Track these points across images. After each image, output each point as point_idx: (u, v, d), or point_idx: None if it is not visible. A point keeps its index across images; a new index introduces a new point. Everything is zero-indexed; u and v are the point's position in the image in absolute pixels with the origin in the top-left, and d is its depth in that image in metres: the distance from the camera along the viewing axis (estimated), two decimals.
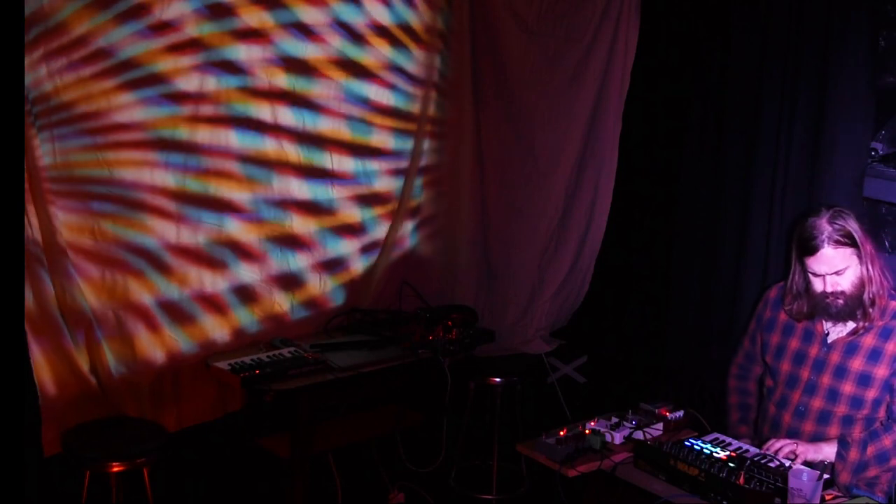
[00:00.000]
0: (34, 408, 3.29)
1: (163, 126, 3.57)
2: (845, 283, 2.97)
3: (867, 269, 2.98)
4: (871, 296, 2.98)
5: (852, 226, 2.96)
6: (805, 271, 3.04)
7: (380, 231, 4.34)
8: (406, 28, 4.26)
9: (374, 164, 4.26)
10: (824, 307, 3.01)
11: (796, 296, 3.11)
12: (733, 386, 3.42)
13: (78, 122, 3.36)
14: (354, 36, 4.06)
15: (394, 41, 4.22)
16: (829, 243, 2.93)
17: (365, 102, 4.16)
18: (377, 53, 4.16)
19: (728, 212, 3.90)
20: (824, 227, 2.95)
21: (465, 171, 4.51)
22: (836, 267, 2.96)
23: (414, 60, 4.32)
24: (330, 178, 4.09)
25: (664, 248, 4.25)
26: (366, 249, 4.30)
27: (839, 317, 3.02)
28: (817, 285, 3.01)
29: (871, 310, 2.98)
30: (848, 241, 2.94)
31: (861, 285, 2.97)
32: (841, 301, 2.98)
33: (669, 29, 4.24)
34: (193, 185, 3.68)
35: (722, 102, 3.92)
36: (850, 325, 3.05)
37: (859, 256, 2.97)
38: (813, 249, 2.96)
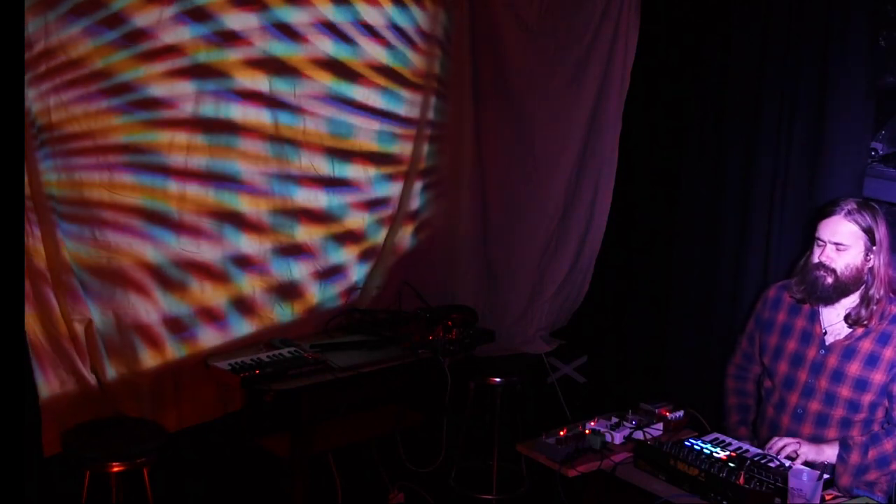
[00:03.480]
0: (34, 408, 3.29)
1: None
2: (841, 262, 2.99)
3: (871, 264, 3.00)
4: (868, 293, 2.99)
5: (876, 219, 3.00)
6: (814, 244, 3.06)
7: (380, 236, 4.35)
8: (404, 32, 4.25)
9: (372, 170, 4.26)
10: (813, 281, 3.03)
11: (799, 272, 3.14)
12: (731, 387, 3.41)
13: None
14: (345, 38, 4.05)
15: (391, 44, 4.21)
16: (844, 213, 3.00)
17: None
18: (368, 52, 4.14)
19: (728, 212, 3.90)
20: (849, 201, 3.03)
21: (465, 171, 4.49)
22: (839, 238, 2.99)
23: (412, 65, 4.31)
24: (329, 185, 4.10)
25: (664, 248, 4.25)
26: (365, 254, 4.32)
27: (823, 297, 3.03)
28: (816, 254, 3.04)
29: (864, 310, 3.00)
30: (862, 222, 2.98)
31: (857, 275, 2.99)
32: (830, 280, 3.00)
33: (669, 29, 4.24)
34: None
35: (722, 102, 3.92)
36: (848, 328, 3.05)
37: (867, 247, 2.99)
38: (828, 213, 3.04)
